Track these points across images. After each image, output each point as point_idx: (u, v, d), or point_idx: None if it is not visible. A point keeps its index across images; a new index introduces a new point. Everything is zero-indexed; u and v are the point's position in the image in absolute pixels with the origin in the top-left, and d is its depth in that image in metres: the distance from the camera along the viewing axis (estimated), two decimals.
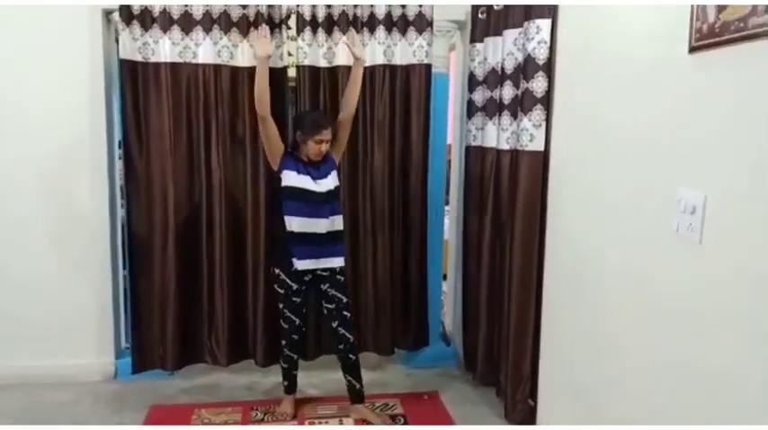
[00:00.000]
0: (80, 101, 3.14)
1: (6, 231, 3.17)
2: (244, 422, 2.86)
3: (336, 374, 3.28)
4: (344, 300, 2.83)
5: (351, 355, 2.86)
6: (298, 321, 2.84)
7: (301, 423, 2.87)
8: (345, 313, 2.83)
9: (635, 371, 1.96)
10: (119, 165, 3.28)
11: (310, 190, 2.68)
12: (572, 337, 2.41)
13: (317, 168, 2.72)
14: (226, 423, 2.86)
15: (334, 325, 2.84)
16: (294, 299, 2.79)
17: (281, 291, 2.80)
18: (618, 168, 2.05)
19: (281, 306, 2.84)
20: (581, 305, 2.32)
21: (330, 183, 2.73)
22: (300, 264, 2.72)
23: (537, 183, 2.60)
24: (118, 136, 3.24)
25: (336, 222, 2.76)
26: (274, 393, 3.14)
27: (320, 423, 2.87)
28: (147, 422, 2.86)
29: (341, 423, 2.87)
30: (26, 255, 3.20)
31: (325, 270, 2.77)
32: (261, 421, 2.88)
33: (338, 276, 2.81)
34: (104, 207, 3.22)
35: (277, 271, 2.80)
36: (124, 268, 3.35)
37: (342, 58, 3.15)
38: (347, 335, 2.84)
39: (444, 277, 3.74)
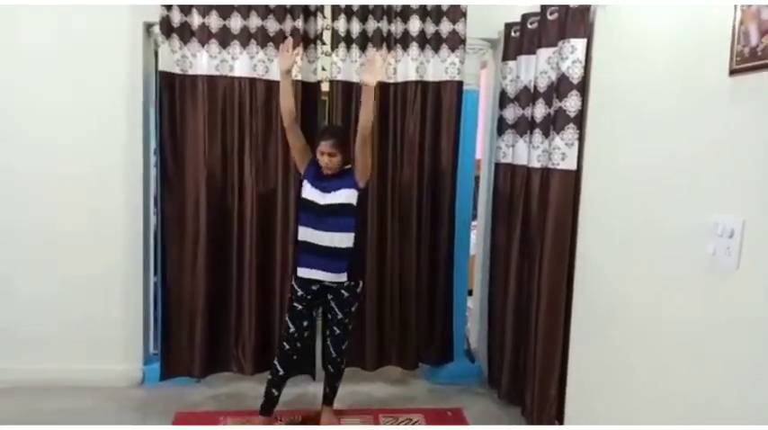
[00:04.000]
0: (118, 110, 3.22)
1: (41, 237, 3.25)
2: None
3: (358, 387, 3.31)
4: (339, 315, 2.83)
5: (329, 367, 2.94)
6: (293, 329, 2.80)
7: None
8: (335, 328, 2.86)
9: (662, 403, 1.93)
10: (153, 173, 3.35)
11: (314, 202, 2.73)
12: (601, 361, 2.38)
13: (327, 182, 2.74)
14: None
15: (326, 334, 2.93)
16: (295, 304, 2.80)
17: (289, 296, 2.86)
18: (652, 190, 2.03)
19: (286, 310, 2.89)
20: (612, 328, 2.29)
21: (338, 198, 2.71)
22: (300, 271, 2.77)
23: (568, 202, 2.60)
24: (154, 145, 3.31)
25: (338, 239, 2.71)
26: (297, 404, 3.16)
27: None
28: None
29: None
30: (59, 260, 3.27)
31: (333, 282, 2.78)
32: None
33: (343, 291, 2.80)
34: (138, 214, 3.29)
35: (292, 277, 2.85)
36: (155, 275, 3.40)
37: None
38: (331, 349, 2.90)
39: (470, 293, 3.73)
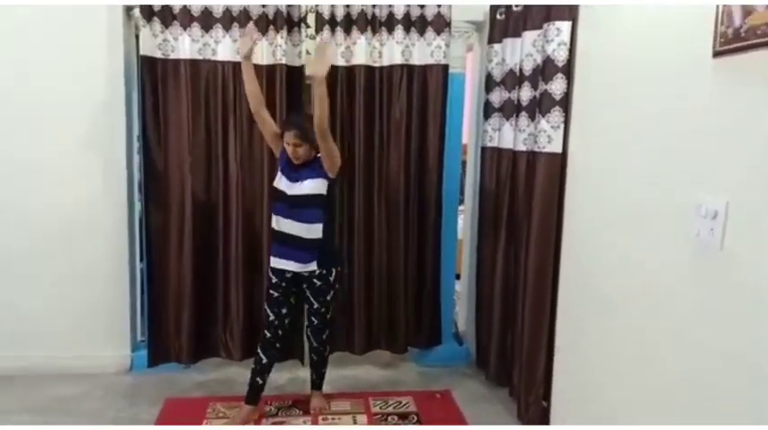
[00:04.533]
0: (99, 96, 3.17)
1: (26, 225, 3.21)
2: (258, 416, 2.88)
3: (347, 370, 3.35)
4: (315, 305, 2.83)
5: (313, 355, 2.98)
6: (272, 316, 2.79)
7: (315, 418, 2.89)
8: (313, 318, 2.86)
9: (650, 381, 1.96)
10: (137, 159, 3.31)
11: (282, 191, 2.71)
12: (587, 341, 2.41)
13: (296, 172, 2.70)
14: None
15: (306, 324, 2.95)
16: (272, 292, 2.79)
17: (266, 284, 2.86)
18: (637, 172, 2.05)
19: (264, 298, 2.89)
20: (597, 309, 2.32)
21: (304, 189, 2.67)
22: (272, 261, 2.78)
23: (554, 185, 2.60)
24: (136, 131, 3.27)
25: (305, 229, 2.68)
26: (287, 388, 3.18)
27: (333, 419, 2.90)
28: (162, 415, 2.89)
29: (354, 420, 2.89)
30: (44, 248, 3.24)
31: (304, 272, 2.76)
32: (275, 415, 2.91)
33: (315, 280, 2.77)
34: (122, 201, 3.25)
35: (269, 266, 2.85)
36: (141, 262, 3.38)
37: (360, 57, 3.16)
38: (311, 338, 2.94)
39: (457, 277, 3.75)
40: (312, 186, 2.68)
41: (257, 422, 2.84)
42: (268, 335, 2.81)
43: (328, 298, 2.84)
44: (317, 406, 2.96)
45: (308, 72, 2.58)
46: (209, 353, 3.34)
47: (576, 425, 2.50)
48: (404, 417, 2.92)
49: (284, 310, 2.81)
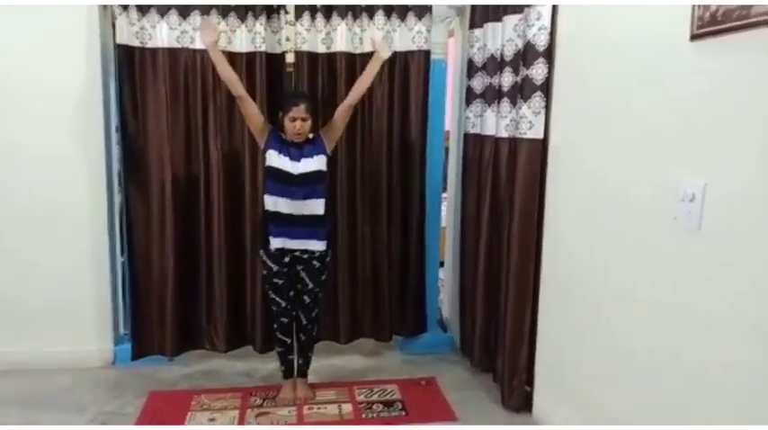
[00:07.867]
0: (77, 86, 3.10)
1: (5, 219, 3.16)
2: (243, 407, 2.87)
3: (332, 360, 3.35)
4: (310, 285, 2.87)
5: (301, 334, 2.98)
6: (284, 303, 2.87)
7: (300, 408, 2.89)
8: (305, 297, 2.89)
9: (630, 363, 1.98)
10: (116, 150, 3.26)
11: (285, 170, 2.69)
12: (569, 326, 2.43)
13: (299, 149, 2.71)
14: (225, 408, 2.87)
15: (296, 304, 2.94)
16: (276, 280, 2.83)
17: (265, 273, 2.88)
18: (617, 156, 2.06)
19: (266, 287, 2.93)
20: (579, 293, 2.34)
21: (309, 166, 2.70)
22: (273, 242, 2.76)
23: (535, 171, 2.60)
24: (115, 121, 3.21)
25: (311, 206, 2.71)
26: (273, 379, 3.17)
27: (318, 408, 2.89)
28: (147, 408, 2.87)
29: (339, 408, 2.89)
30: (25, 242, 3.18)
31: (304, 252, 2.79)
32: (260, 406, 2.90)
33: (314, 261, 2.82)
34: (102, 193, 3.20)
35: (261, 252, 2.85)
36: (122, 254, 3.34)
37: (340, 44, 3.13)
38: (301, 317, 2.94)
39: (441, 264, 3.75)
40: (318, 161, 2.72)
41: (242, 413, 2.83)
42: (285, 320, 2.90)
43: (323, 278, 2.90)
44: (303, 395, 2.96)
45: (382, 53, 2.79)
46: (193, 346, 3.32)
47: (560, 412, 2.53)
48: (389, 405, 2.93)
49: (291, 293, 2.88)
